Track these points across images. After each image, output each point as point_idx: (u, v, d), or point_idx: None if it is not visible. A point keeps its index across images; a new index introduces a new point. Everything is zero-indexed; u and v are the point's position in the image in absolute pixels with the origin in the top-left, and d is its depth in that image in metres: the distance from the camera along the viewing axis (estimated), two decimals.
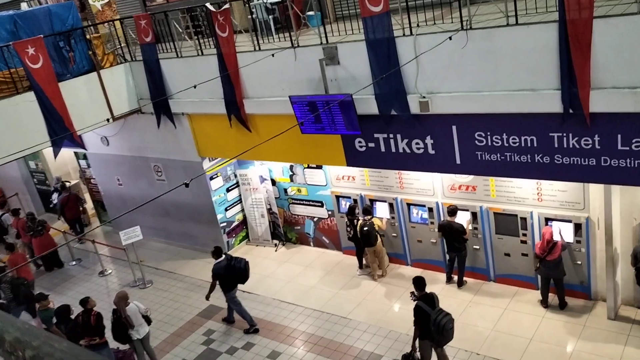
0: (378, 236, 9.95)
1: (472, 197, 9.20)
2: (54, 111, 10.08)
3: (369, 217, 9.99)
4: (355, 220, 10.22)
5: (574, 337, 8.01)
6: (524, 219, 8.71)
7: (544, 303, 8.68)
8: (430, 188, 9.61)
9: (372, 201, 10.45)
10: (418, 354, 7.38)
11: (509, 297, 9.08)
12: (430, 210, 9.68)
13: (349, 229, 10.36)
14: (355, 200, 10.65)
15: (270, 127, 9.90)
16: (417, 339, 7.33)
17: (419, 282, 7.32)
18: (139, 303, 8.90)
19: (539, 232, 8.62)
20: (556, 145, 7.00)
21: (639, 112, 6.19)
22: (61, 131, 10.21)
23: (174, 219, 12.94)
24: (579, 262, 8.45)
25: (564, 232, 8.32)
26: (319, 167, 11.04)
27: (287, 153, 10.05)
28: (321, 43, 8.56)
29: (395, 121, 8.19)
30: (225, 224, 12.27)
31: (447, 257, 9.61)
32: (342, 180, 10.81)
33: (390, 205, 10.21)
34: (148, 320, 8.88)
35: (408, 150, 8.39)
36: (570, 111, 6.57)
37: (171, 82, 10.94)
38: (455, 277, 9.67)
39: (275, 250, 12.25)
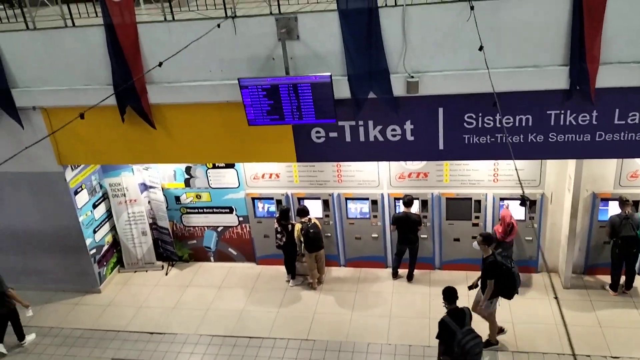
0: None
1: (423, 184, 8.69)
2: None
3: (307, 218, 8.71)
4: (290, 225, 8.79)
5: (548, 309, 8.10)
6: (478, 202, 8.57)
7: None
8: (375, 179, 8.78)
9: (301, 199, 9.13)
10: None
11: (463, 282, 8.87)
12: (374, 202, 8.87)
13: (279, 235, 8.86)
14: (279, 202, 9.18)
15: (185, 120, 7.82)
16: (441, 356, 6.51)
17: (449, 294, 6.43)
18: None
19: (492, 214, 8.59)
20: (552, 123, 6.88)
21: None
22: None
23: (11, 253, 9.43)
24: (530, 238, 8.68)
25: (515, 211, 8.42)
26: (230, 166, 9.20)
27: (209, 152, 8.02)
28: (271, 13, 6.91)
29: (368, 106, 7.11)
30: (94, 250, 9.41)
31: (395, 250, 8.95)
32: (261, 179, 9.20)
33: (325, 202, 9.06)
34: None
35: (381, 139, 7.40)
36: (577, 87, 6.49)
37: (16, 64, 7.78)
38: (401, 272, 9.11)
39: (166, 274, 9.92)
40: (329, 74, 6.65)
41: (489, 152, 7.22)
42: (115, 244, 10.00)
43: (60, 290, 9.62)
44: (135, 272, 10.04)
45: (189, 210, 9.77)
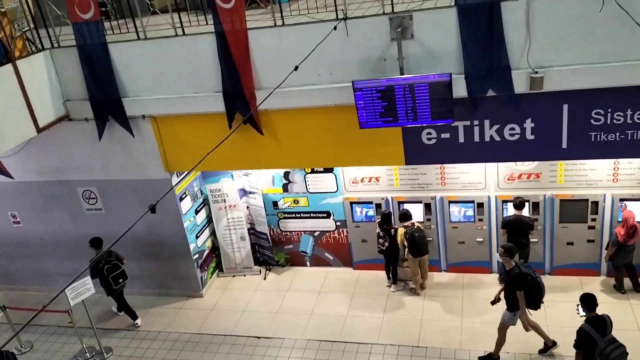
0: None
1: (534, 185, 8.31)
2: None
3: (409, 222, 8.50)
4: (392, 230, 8.61)
5: None
6: (595, 203, 8.10)
7: (621, 288, 8.21)
8: (482, 181, 8.47)
9: (401, 203, 8.94)
10: None
11: (577, 288, 8.41)
12: (480, 205, 8.55)
13: (381, 240, 8.69)
14: (378, 206, 9.02)
15: (291, 125, 7.79)
16: None
17: (589, 301, 6.06)
18: None
19: (610, 216, 8.10)
20: None
21: None
22: None
23: (127, 259, 9.66)
24: None
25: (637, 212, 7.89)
26: (328, 170, 9.12)
27: (315, 157, 7.96)
28: (384, 13, 6.78)
29: (484, 104, 6.84)
30: (197, 255, 9.56)
31: None
32: (360, 183, 9.07)
33: (427, 205, 8.83)
34: None
35: (498, 138, 7.10)
36: None
37: (127, 74, 7.98)
38: None
39: (265, 278, 9.95)
40: (449, 72, 6.43)
41: (617, 150, 6.79)
42: (214, 249, 10.13)
43: (164, 295, 9.82)
44: (234, 276, 10.13)
45: (286, 215, 9.76)
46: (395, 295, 8.98)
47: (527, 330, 7.22)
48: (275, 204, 9.71)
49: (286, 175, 9.40)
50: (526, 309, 7.07)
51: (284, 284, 9.72)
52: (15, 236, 10.14)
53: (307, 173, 9.25)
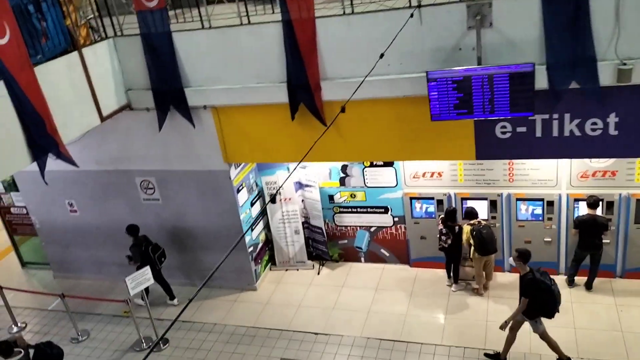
0: None
1: (610, 184, 7.90)
2: (31, 110, 6.53)
3: (476, 220, 8.20)
4: (457, 227, 8.33)
5: None
6: None
7: None
8: (553, 178, 8.11)
9: (465, 200, 8.64)
10: None
11: None
12: (550, 204, 8.19)
13: (444, 237, 8.41)
14: (440, 202, 8.75)
15: (356, 117, 7.53)
16: None
17: None
18: None
19: None
20: None
21: None
22: (44, 140, 6.73)
23: (174, 250, 9.68)
24: None
25: None
26: (388, 164, 8.88)
27: (380, 150, 7.73)
28: (461, 0, 6.48)
29: (566, 97, 6.49)
30: (252, 247, 9.46)
31: (574, 256, 8.21)
32: (421, 178, 8.80)
33: (492, 202, 8.51)
34: None
35: (578, 133, 6.74)
36: None
37: (190, 64, 7.88)
38: (578, 279, 8.35)
39: (318, 273, 9.78)
40: (532, 62, 6.11)
41: None
42: (267, 242, 10.01)
43: (217, 287, 9.75)
44: (287, 270, 10.00)
45: (342, 209, 9.57)
46: (457, 295, 8.69)
47: (501, 328, 6.98)
48: (331, 197, 9.52)
49: (344, 168, 9.20)
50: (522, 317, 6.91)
51: (339, 279, 9.54)
52: (71, 224, 10.22)
53: (365, 167, 9.03)
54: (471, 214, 8.21)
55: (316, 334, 8.29)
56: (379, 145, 7.68)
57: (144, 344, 8.63)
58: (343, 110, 5.06)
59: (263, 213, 9.83)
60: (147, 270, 8.32)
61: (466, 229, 8.20)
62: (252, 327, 8.66)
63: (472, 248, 8.22)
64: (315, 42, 7.16)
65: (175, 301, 9.50)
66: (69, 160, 7.16)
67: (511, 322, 7.01)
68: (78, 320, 9.27)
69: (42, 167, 6.74)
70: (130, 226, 9.04)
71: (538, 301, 6.72)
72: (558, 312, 6.88)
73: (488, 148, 7.22)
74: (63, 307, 9.47)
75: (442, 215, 8.47)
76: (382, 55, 5.53)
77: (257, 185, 9.65)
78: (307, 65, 7.28)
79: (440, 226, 8.41)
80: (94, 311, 9.67)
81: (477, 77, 6.36)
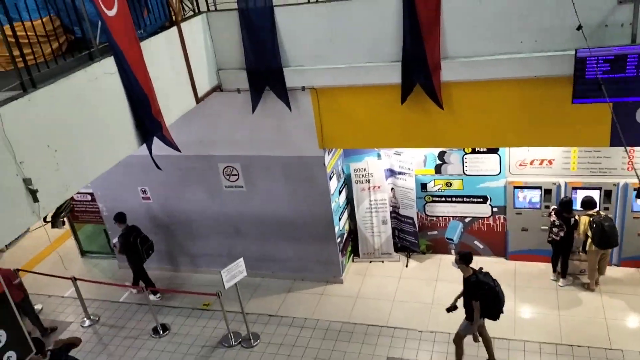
0: None
1: None
2: (139, 90, 5.99)
3: (594, 210, 7.66)
4: (572, 219, 7.79)
5: None
6: None
7: None
8: None
9: (576, 189, 8.10)
10: None
11: None
12: None
13: (556, 229, 7.88)
14: (547, 191, 8.21)
15: (476, 99, 7.02)
16: None
17: None
18: None
19: None
20: None
21: None
22: (149, 122, 6.19)
23: (253, 240, 9.20)
24: None
25: None
26: (492, 150, 8.33)
27: (500, 135, 7.17)
28: None
29: None
30: (339, 238, 8.95)
31: None
32: (528, 166, 8.25)
33: (607, 193, 7.96)
34: None
35: None
36: None
37: (290, 42, 7.30)
38: None
39: (406, 265, 9.29)
40: None
41: None
42: (351, 232, 9.51)
43: (299, 279, 9.28)
44: (371, 262, 9.50)
45: (434, 198, 9.04)
46: (565, 290, 8.20)
47: (475, 341, 6.88)
48: (423, 186, 8.98)
49: (441, 155, 8.65)
50: (482, 319, 6.80)
51: (430, 272, 9.04)
52: (142, 212, 9.71)
53: (466, 153, 8.48)
54: (590, 203, 7.66)
55: (420, 331, 7.81)
56: (499, 130, 7.13)
57: (233, 340, 8.17)
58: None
59: (348, 202, 9.32)
60: (240, 262, 7.84)
61: (584, 219, 7.67)
62: (348, 323, 8.18)
63: (589, 240, 7.69)
64: (439, 17, 6.57)
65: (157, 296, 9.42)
66: (171, 144, 6.63)
67: (462, 325, 6.89)
68: (156, 314, 8.82)
69: (151, 151, 6.22)
70: (119, 214, 9.06)
71: (482, 303, 6.57)
72: (502, 313, 6.73)
73: (625, 134, 6.56)
74: (134, 299, 9.10)
75: (555, 206, 7.93)
76: (579, 28, 4.94)
77: (343, 172, 9.12)
78: (426, 42, 6.69)
79: (553, 217, 7.87)
80: (170, 304, 9.22)
81: (632, 57, 5.78)
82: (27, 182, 4.52)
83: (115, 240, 9.31)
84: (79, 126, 5.16)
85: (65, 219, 9.47)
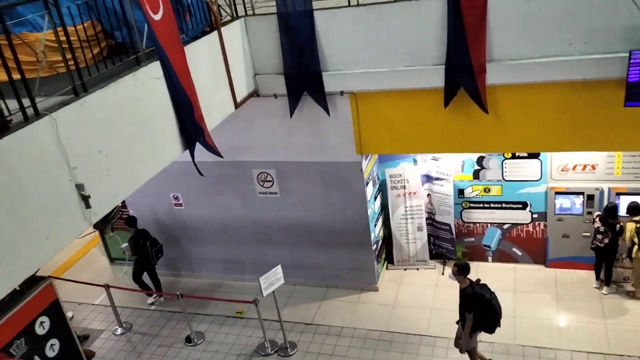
0: None
1: None
2: (183, 95, 5.92)
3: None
4: (618, 225, 7.59)
5: None
6: None
7: None
8: None
9: (619, 194, 7.90)
10: None
11: None
12: None
13: (600, 236, 7.69)
14: (590, 197, 8.01)
15: (521, 103, 6.86)
16: None
17: None
18: None
19: None
20: None
21: None
22: (194, 129, 6.11)
23: (284, 247, 9.09)
24: None
25: None
26: (534, 155, 8.16)
27: (547, 139, 6.95)
28: None
29: None
30: (375, 245, 8.81)
31: None
32: (571, 171, 8.07)
33: None
34: None
35: None
36: None
37: (329, 46, 7.21)
38: None
39: (442, 273, 9.12)
40: None
41: None
42: (385, 238, 9.37)
43: (332, 287, 9.15)
44: (405, 269, 9.34)
45: (471, 204, 8.87)
46: (609, 298, 7.98)
47: (461, 352, 6.82)
48: (460, 192, 8.83)
49: (479, 160, 8.50)
50: (480, 332, 6.70)
51: None
52: (173, 219, 9.66)
53: (506, 158, 8.32)
54: (636, 209, 7.47)
55: None
56: (544, 135, 6.94)
57: (269, 349, 8.04)
58: None
59: (382, 208, 9.19)
60: (278, 269, 7.72)
61: (630, 226, 7.46)
62: (386, 331, 8.02)
63: (636, 247, 7.48)
64: (485, 19, 6.43)
65: (151, 299, 9.54)
66: (213, 150, 6.55)
67: (463, 340, 6.73)
68: (190, 321, 8.72)
69: (193, 157, 6.15)
70: (130, 218, 9.21)
71: (478, 315, 6.43)
72: (499, 326, 6.61)
73: None
74: (163, 306, 9.06)
75: (599, 213, 7.74)
76: None
77: (378, 178, 8.99)
78: (471, 45, 6.55)
79: (598, 224, 7.68)
80: (203, 311, 9.12)
81: None
82: (79, 187, 4.45)
83: (125, 244, 9.41)
84: (128, 132, 5.10)
85: (112, 226, 9.70)
